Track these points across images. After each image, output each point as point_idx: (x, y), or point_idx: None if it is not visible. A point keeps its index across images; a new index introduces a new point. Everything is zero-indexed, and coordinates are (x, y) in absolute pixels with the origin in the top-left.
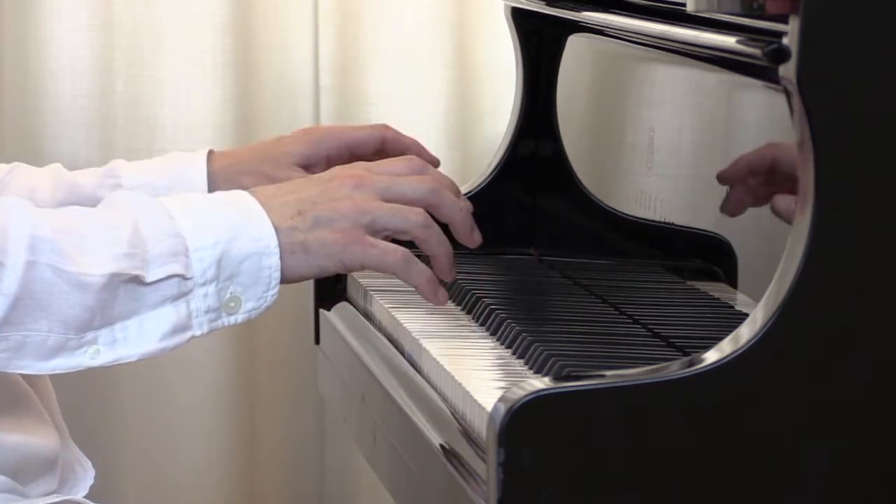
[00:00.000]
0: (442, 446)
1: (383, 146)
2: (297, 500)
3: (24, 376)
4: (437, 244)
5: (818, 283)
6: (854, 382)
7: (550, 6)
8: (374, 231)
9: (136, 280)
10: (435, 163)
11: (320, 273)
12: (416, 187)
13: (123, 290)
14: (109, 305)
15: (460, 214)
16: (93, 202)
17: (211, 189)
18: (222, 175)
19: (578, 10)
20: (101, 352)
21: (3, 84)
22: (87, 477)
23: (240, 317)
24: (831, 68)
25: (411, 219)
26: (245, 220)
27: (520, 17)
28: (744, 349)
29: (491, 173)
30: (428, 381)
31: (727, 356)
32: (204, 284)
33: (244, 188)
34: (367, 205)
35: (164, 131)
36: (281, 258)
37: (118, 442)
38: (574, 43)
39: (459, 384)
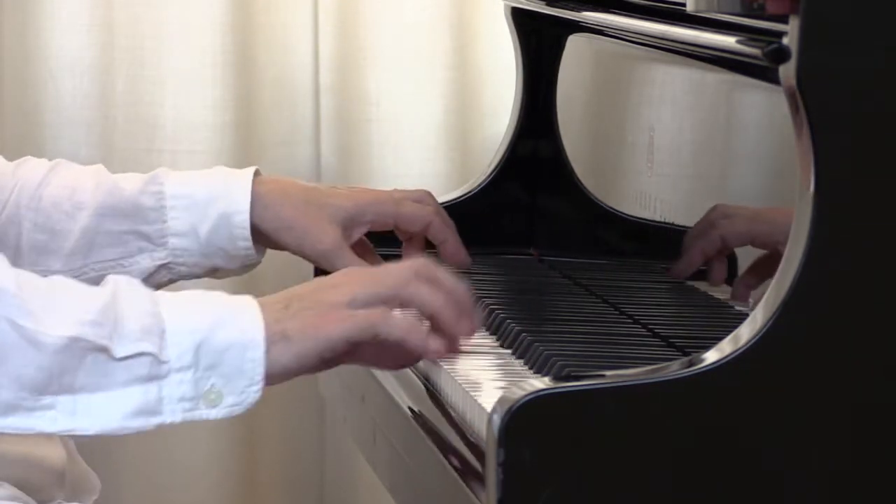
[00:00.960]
0: (442, 446)
1: (427, 230)
2: (297, 500)
3: None
4: (423, 300)
5: (818, 283)
6: (854, 382)
7: (550, 6)
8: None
9: (105, 352)
10: (467, 264)
11: (302, 362)
12: (404, 267)
13: (91, 361)
14: (70, 372)
15: (456, 292)
16: (133, 208)
17: (252, 212)
18: (265, 200)
19: (578, 10)
20: (59, 419)
21: (3, 84)
22: (93, 490)
23: (221, 411)
24: (831, 68)
25: (390, 283)
26: (233, 311)
27: (520, 17)
28: (744, 349)
29: (491, 173)
30: (427, 381)
31: (727, 356)
32: (180, 370)
33: (282, 219)
34: (349, 286)
35: (164, 131)
36: (266, 352)
37: (117, 441)
38: (574, 43)
39: (459, 384)
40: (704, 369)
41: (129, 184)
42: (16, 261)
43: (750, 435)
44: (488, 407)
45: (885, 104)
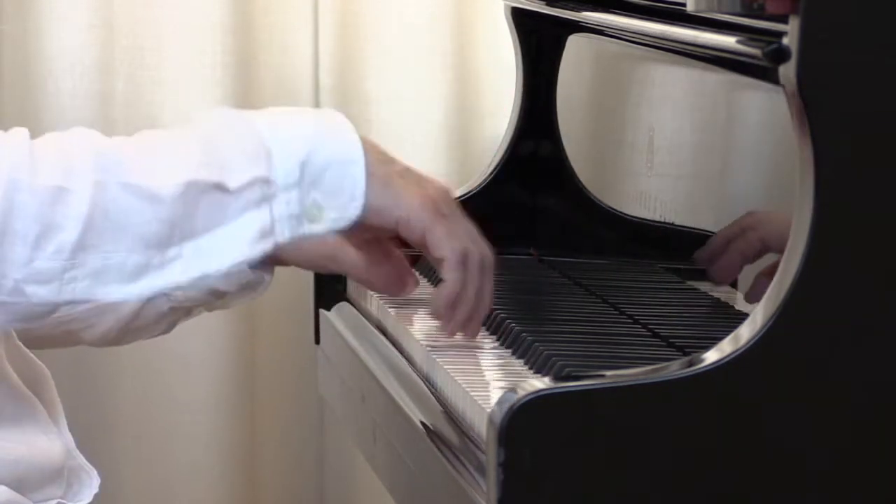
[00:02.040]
0: (442, 446)
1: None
2: (297, 500)
3: (30, 385)
4: (486, 287)
5: (818, 283)
6: (854, 382)
7: (550, 6)
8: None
9: (219, 188)
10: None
11: (385, 213)
12: (486, 247)
13: (205, 201)
14: (190, 217)
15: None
16: None
17: None
18: None
19: (578, 10)
20: (189, 267)
21: (3, 84)
22: (92, 485)
23: (323, 226)
24: (831, 68)
25: (480, 244)
26: (331, 129)
27: (520, 17)
28: (744, 349)
29: (491, 173)
30: (427, 381)
31: (727, 356)
32: (286, 189)
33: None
34: (451, 202)
35: None
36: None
37: (117, 441)
38: (574, 43)
39: (459, 384)
40: (704, 369)
41: None
42: None
43: (750, 435)
44: (488, 407)
45: (885, 104)
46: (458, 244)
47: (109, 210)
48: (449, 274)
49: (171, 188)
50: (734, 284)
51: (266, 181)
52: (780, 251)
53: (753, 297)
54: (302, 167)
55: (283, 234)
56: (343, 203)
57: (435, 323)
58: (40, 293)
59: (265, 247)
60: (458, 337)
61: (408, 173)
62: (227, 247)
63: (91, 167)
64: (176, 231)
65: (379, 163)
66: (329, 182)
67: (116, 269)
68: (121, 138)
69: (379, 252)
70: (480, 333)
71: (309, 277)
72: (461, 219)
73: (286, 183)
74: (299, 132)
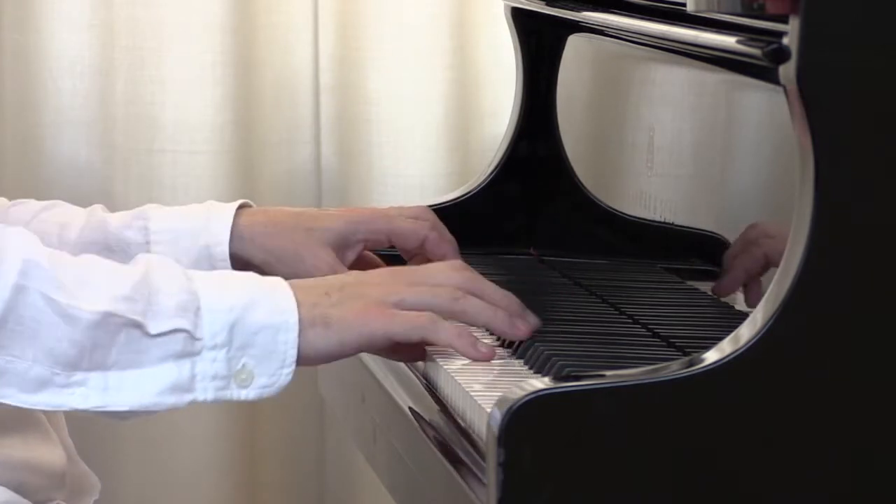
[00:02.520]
0: (442, 446)
1: (423, 247)
2: (297, 500)
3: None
4: (475, 314)
5: (818, 283)
6: (854, 382)
7: (550, 6)
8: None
9: (139, 328)
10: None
11: (341, 350)
12: (451, 276)
13: (124, 337)
14: (103, 348)
15: (505, 301)
16: (118, 242)
17: (232, 245)
18: (247, 232)
19: (578, 10)
20: (90, 396)
21: (3, 84)
22: (93, 492)
23: (251, 392)
24: (831, 68)
25: (441, 294)
26: (267, 292)
27: (520, 17)
28: (744, 349)
29: (491, 173)
30: (427, 381)
31: (727, 356)
32: (213, 349)
33: (268, 251)
34: (395, 287)
35: (164, 131)
36: (300, 334)
37: (117, 442)
38: (574, 43)
39: (459, 384)
40: (704, 369)
41: (117, 220)
42: None
43: (750, 435)
44: (488, 407)
45: (885, 104)
46: (421, 319)
47: (24, 316)
48: (461, 344)
49: (88, 313)
50: None
51: (191, 336)
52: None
53: (751, 302)
54: (231, 329)
55: (206, 394)
56: (273, 369)
57: None
58: None
59: (178, 401)
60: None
61: (344, 291)
62: (135, 390)
63: (17, 270)
64: (86, 357)
65: (313, 305)
66: (260, 347)
67: (18, 374)
68: (61, 253)
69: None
70: (480, 333)
71: None
72: (411, 289)
73: (213, 343)
74: (234, 294)
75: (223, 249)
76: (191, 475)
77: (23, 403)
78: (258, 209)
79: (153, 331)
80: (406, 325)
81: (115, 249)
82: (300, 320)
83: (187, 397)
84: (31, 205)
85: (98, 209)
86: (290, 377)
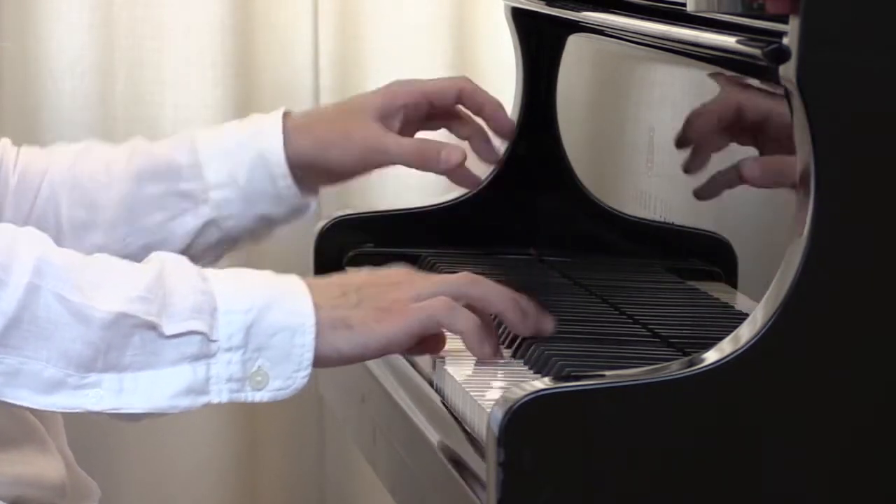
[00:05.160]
0: (442, 446)
1: (461, 98)
2: (297, 500)
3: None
4: (495, 298)
5: (818, 282)
6: (854, 382)
7: (550, 6)
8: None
9: (153, 329)
10: (510, 127)
11: (362, 353)
12: (467, 275)
13: (139, 338)
14: (118, 349)
15: (524, 300)
16: (168, 167)
17: (287, 144)
18: (294, 130)
19: (578, 10)
20: (105, 397)
21: (3, 84)
22: (93, 498)
23: (266, 394)
24: (831, 68)
25: (453, 282)
26: (284, 293)
27: (520, 17)
28: (744, 349)
29: (491, 173)
30: (428, 382)
31: (727, 356)
32: (229, 350)
33: (319, 138)
34: (411, 284)
35: (165, 131)
36: (320, 335)
37: (117, 442)
38: (574, 43)
39: (459, 384)
40: (704, 369)
41: (162, 147)
42: (58, 241)
43: (750, 435)
44: (488, 407)
45: (885, 104)
46: (438, 303)
47: (38, 317)
48: (471, 336)
49: (102, 314)
50: (734, 284)
51: (206, 338)
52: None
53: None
54: (247, 331)
55: (221, 396)
56: (289, 372)
57: None
58: None
59: (192, 403)
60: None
61: (361, 292)
62: (149, 392)
63: (31, 269)
64: (100, 358)
65: (333, 307)
66: (276, 350)
67: (31, 375)
68: (73, 252)
69: None
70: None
71: (308, 273)
72: (425, 287)
73: (229, 345)
74: (250, 295)
75: (278, 153)
76: (191, 475)
77: (36, 405)
78: (300, 112)
79: (168, 332)
80: (422, 316)
81: (167, 175)
82: (320, 323)
83: (202, 399)
84: (67, 147)
85: (139, 141)
86: (305, 380)
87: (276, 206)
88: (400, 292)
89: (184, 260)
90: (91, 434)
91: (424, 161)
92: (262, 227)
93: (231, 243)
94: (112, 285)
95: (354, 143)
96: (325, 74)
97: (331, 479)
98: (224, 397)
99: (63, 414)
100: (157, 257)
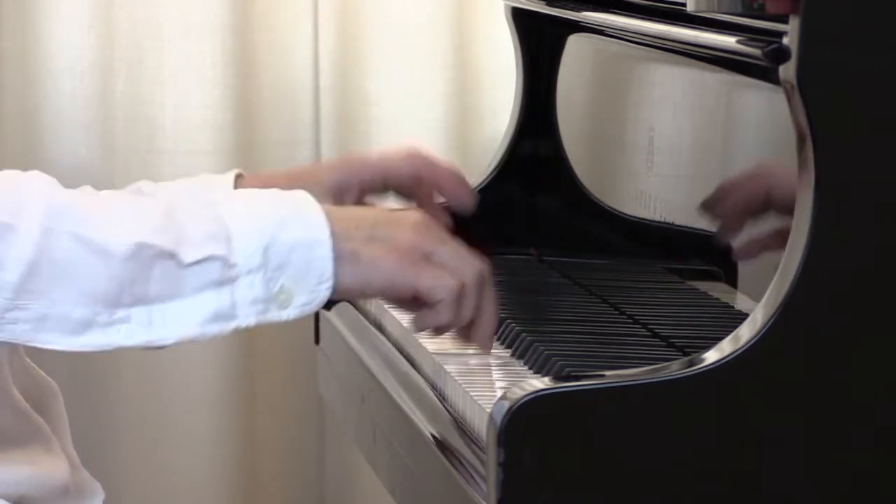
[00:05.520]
0: (442, 446)
1: (418, 177)
2: (297, 500)
3: (36, 403)
4: (485, 310)
5: (818, 283)
6: (854, 382)
7: (550, 6)
8: (430, 265)
9: (173, 258)
10: (469, 201)
11: (364, 289)
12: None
13: (160, 268)
14: (141, 282)
15: (488, 329)
16: None
17: None
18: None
19: (578, 10)
20: (136, 332)
21: (3, 84)
22: (97, 499)
23: (292, 311)
24: (831, 68)
25: (471, 264)
26: (296, 209)
27: (520, 17)
28: (744, 349)
29: (491, 173)
30: (427, 381)
31: (727, 356)
32: (249, 273)
33: None
34: (428, 237)
35: (164, 131)
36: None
37: (117, 442)
38: (574, 43)
39: (459, 384)
40: (704, 369)
41: None
42: None
43: (750, 435)
44: (488, 407)
45: (885, 104)
46: (451, 282)
47: (57, 259)
48: (444, 310)
49: (121, 246)
50: (734, 284)
51: (226, 262)
52: (780, 207)
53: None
54: (265, 252)
55: (248, 319)
56: (312, 286)
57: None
58: None
59: (222, 329)
60: (471, 351)
61: (376, 228)
62: (178, 322)
63: (42, 211)
64: (126, 292)
65: (345, 238)
66: (296, 265)
67: (59, 319)
68: (79, 191)
69: None
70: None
71: None
72: (444, 246)
73: (249, 267)
74: (262, 215)
75: None
76: (190, 475)
77: (69, 346)
78: (252, 175)
79: (187, 259)
80: (433, 284)
81: None
82: (334, 243)
83: (231, 324)
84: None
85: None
86: (329, 291)
87: None
88: (415, 240)
89: (187, 189)
90: (92, 434)
91: None
92: None
93: None
94: (126, 218)
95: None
96: (325, 74)
97: (331, 479)
98: (252, 320)
99: (66, 412)
100: (161, 190)
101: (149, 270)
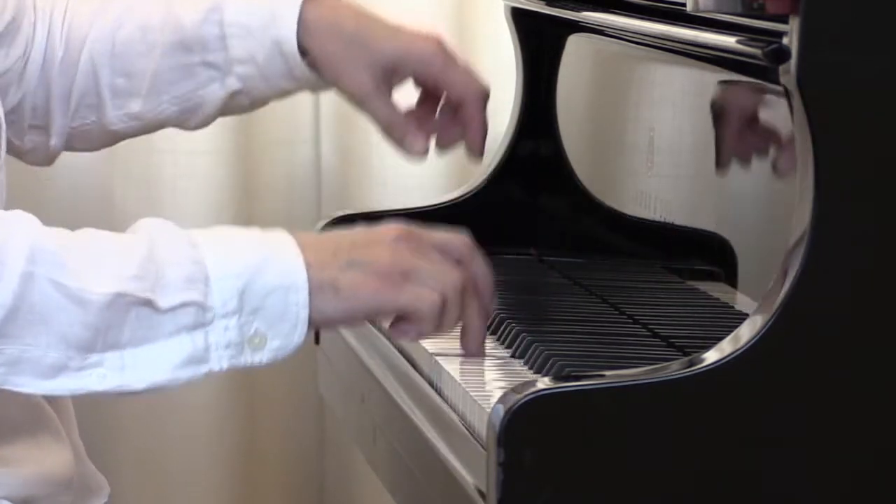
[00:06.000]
0: (442, 446)
1: (464, 104)
2: (297, 500)
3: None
4: (469, 317)
5: (818, 283)
6: (854, 382)
7: (550, 6)
8: (410, 283)
9: (149, 305)
10: (481, 151)
11: (348, 318)
12: (462, 249)
13: (135, 315)
14: (116, 328)
15: (479, 319)
16: (197, 40)
17: (300, 38)
18: (311, 27)
19: (578, 10)
20: (108, 376)
21: None
22: (101, 494)
23: (266, 355)
24: (831, 68)
25: (451, 275)
26: (274, 252)
27: (520, 17)
28: (744, 349)
29: (491, 173)
30: (428, 381)
31: (727, 356)
32: (225, 316)
33: (325, 53)
34: (406, 255)
35: (165, 131)
36: (309, 296)
37: (117, 442)
38: (574, 43)
39: (459, 384)
40: (704, 369)
41: (192, 15)
42: (100, 112)
43: (750, 435)
44: (488, 407)
45: (885, 104)
46: (432, 297)
47: (35, 303)
48: (425, 324)
49: (98, 296)
50: (734, 284)
51: (202, 307)
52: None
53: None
54: (241, 295)
55: (221, 362)
56: (286, 331)
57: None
58: None
59: (195, 373)
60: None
61: (353, 253)
62: (151, 366)
63: (24, 256)
64: (100, 338)
65: (323, 267)
66: (270, 310)
67: (33, 362)
68: (62, 231)
69: None
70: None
71: None
72: (422, 261)
73: (224, 311)
74: (241, 258)
75: (292, 44)
76: (190, 475)
77: (40, 390)
78: (327, 1)
79: (164, 305)
80: (413, 302)
81: (196, 48)
82: (308, 281)
83: (203, 368)
84: (109, 7)
85: (175, 4)
86: (302, 337)
87: (296, 84)
88: (392, 258)
89: (171, 227)
90: (92, 434)
91: (389, 135)
92: (292, 92)
93: (264, 103)
94: (105, 265)
95: (344, 84)
96: None
97: (331, 479)
98: (224, 364)
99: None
100: (145, 226)
101: (124, 316)
